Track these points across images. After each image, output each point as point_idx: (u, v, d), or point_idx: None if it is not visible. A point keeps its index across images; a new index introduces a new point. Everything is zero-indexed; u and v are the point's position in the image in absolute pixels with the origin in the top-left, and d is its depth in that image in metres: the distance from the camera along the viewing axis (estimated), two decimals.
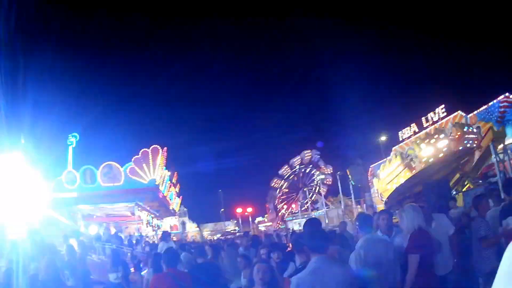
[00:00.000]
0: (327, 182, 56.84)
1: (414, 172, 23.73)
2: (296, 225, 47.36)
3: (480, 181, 21.56)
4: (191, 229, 50.30)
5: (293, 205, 59.93)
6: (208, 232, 60.76)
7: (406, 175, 24.53)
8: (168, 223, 41.11)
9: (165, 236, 13.92)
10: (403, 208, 5.84)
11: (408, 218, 5.41)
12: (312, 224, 5.45)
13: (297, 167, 63.16)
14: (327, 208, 45.20)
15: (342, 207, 41.02)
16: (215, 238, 47.05)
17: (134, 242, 26.06)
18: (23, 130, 25.72)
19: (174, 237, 35.60)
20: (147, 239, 28.52)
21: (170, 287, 5.45)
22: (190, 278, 5.76)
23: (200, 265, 6.64)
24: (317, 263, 3.89)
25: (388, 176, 27.11)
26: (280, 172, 64.64)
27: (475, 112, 26.87)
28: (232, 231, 58.09)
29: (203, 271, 5.83)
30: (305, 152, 61.79)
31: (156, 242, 27.46)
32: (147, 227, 32.84)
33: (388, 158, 31.82)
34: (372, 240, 5.48)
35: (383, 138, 46.73)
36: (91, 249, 22.93)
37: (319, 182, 52.43)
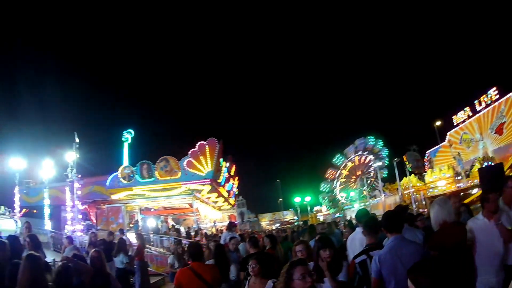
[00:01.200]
0: (383, 169, 55.75)
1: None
2: (353, 213, 46.67)
3: None
4: (250, 219, 50.46)
5: (351, 194, 59.09)
6: (267, 222, 60.80)
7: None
8: (226, 214, 41.28)
9: (230, 226, 13.63)
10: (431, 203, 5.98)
11: (433, 213, 5.52)
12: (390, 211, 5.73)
13: (353, 155, 62.11)
14: (384, 196, 44.22)
15: (400, 194, 40.22)
16: (274, 228, 47.09)
17: (192, 233, 26.43)
18: (76, 129, 26.35)
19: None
20: (204, 230, 28.83)
21: (190, 280, 5.88)
22: (216, 271, 6.23)
23: (251, 255, 6.63)
24: (394, 241, 4.60)
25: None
26: (334, 161, 63.75)
27: None
28: (290, 221, 57.84)
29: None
30: (360, 139, 60.67)
31: (214, 233, 27.82)
32: (205, 218, 33.07)
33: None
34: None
35: (437, 123, 45.89)
36: (150, 242, 23.59)
37: (376, 169, 51.34)
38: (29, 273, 4.78)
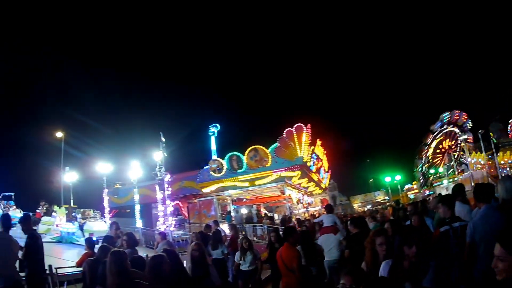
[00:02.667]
0: (469, 141, 52.84)
1: None
2: (444, 189, 44.40)
3: None
4: (342, 202, 49.31)
5: (440, 169, 56.54)
6: (358, 203, 59.56)
7: None
8: (318, 198, 40.46)
9: (330, 208, 13.11)
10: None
11: (500, 189, 5.59)
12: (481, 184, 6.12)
13: (439, 130, 59.30)
14: (472, 170, 41.74)
15: (486, 167, 37.78)
16: (366, 209, 45.59)
17: (286, 220, 25.70)
18: (163, 129, 26.60)
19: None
20: (298, 216, 27.92)
21: (278, 260, 7.13)
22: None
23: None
24: (484, 210, 5.10)
25: None
26: (423, 138, 61.23)
27: None
28: (382, 201, 56.32)
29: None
30: (445, 114, 57.72)
31: (307, 218, 26.95)
32: (297, 204, 32.32)
33: None
34: None
35: None
36: (243, 232, 23.28)
37: (462, 142, 48.64)
38: (114, 268, 4.91)
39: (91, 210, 27.98)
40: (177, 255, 6.53)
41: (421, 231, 6.69)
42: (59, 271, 9.29)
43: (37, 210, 24.31)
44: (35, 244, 7.88)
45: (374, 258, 5.03)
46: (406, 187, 64.54)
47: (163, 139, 24.60)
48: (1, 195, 24.90)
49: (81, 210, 27.49)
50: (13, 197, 27.13)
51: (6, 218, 7.88)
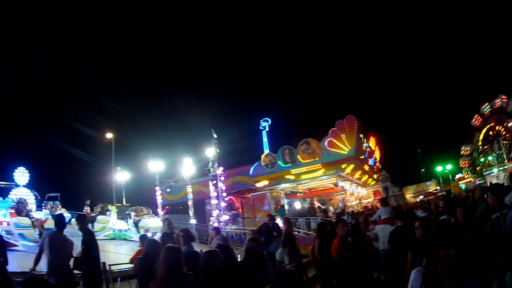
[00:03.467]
0: None
1: None
2: (494, 178, 43.02)
3: None
4: (394, 193, 48.49)
5: (489, 158, 54.75)
6: (411, 194, 58.49)
7: None
8: (371, 190, 39.97)
9: (385, 201, 13.46)
10: None
11: None
12: None
13: (489, 114, 57.28)
14: None
15: None
16: (418, 200, 44.59)
17: (338, 212, 25.54)
18: (214, 125, 26.71)
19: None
20: (351, 209, 27.68)
21: None
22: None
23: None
24: None
25: None
26: (472, 122, 59.32)
27: None
28: (433, 191, 55.14)
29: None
30: (496, 99, 55.70)
31: (360, 211, 26.71)
32: (350, 196, 32.05)
33: None
34: None
35: None
36: (296, 225, 23.22)
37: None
38: (166, 263, 4.90)
39: (144, 207, 28.34)
40: (231, 250, 6.65)
41: (464, 227, 6.60)
42: (113, 268, 9.51)
43: (84, 210, 24.73)
44: (91, 241, 8.25)
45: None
46: (457, 176, 63.09)
47: (215, 135, 24.56)
48: (47, 195, 25.53)
49: (134, 207, 27.66)
50: (59, 197, 27.93)
51: (61, 218, 8.20)
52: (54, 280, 7.01)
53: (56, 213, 29.76)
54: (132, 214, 24.59)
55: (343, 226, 8.18)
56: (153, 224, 23.65)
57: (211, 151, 24.66)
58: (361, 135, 30.00)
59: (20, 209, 18.64)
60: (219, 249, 5.87)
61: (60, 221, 8.03)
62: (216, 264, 5.35)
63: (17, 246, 15.62)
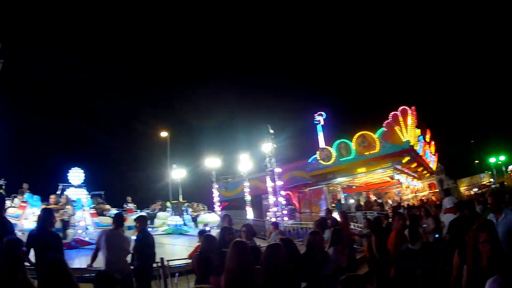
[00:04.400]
0: None
1: None
2: None
3: None
4: (449, 185, 47.73)
5: None
6: (465, 187, 57.30)
7: None
8: (426, 183, 39.46)
9: (447, 192, 13.97)
10: None
11: None
12: None
13: None
14: None
15: None
16: (472, 192, 43.82)
17: (395, 206, 25.41)
18: (270, 120, 26.88)
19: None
20: (406, 202, 27.52)
21: None
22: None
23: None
24: None
25: None
26: None
27: None
28: (487, 184, 53.91)
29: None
30: None
31: (416, 204, 26.47)
32: (406, 189, 31.84)
33: None
34: None
35: None
36: (353, 219, 23.26)
37: None
38: (236, 258, 4.95)
39: (200, 204, 28.92)
40: (293, 243, 6.70)
41: None
42: (171, 263, 9.63)
43: (124, 206, 25.36)
44: (145, 239, 8.60)
45: (476, 260, 4.35)
46: (510, 167, 61.46)
47: (271, 131, 24.75)
48: (91, 193, 26.41)
49: (190, 204, 28.32)
50: (103, 195, 28.66)
51: (120, 216, 8.68)
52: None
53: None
54: (189, 210, 25.23)
55: (399, 219, 8.46)
56: (211, 219, 24.80)
57: (267, 147, 24.86)
58: (416, 126, 29.68)
59: (101, 209, 19.56)
60: (282, 242, 5.89)
61: (118, 219, 8.50)
62: (279, 258, 5.35)
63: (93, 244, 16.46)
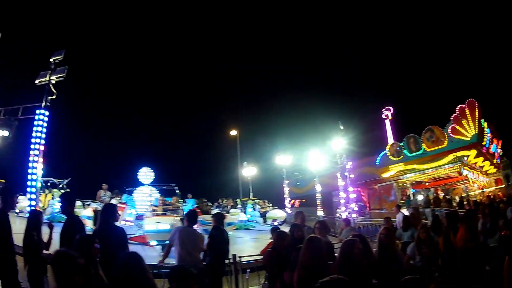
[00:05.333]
0: None
1: None
2: None
3: None
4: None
5: None
6: None
7: None
8: (492, 178, 38.93)
9: None
10: None
11: None
12: None
13: None
14: None
15: None
16: None
17: (465, 202, 25.31)
18: (339, 116, 27.28)
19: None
20: (473, 198, 27.44)
21: None
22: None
23: None
24: None
25: None
26: None
27: None
28: None
29: None
30: None
31: (483, 201, 26.29)
32: (473, 185, 31.69)
33: None
34: None
35: None
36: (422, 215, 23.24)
37: None
38: (309, 254, 5.24)
39: (266, 201, 29.66)
40: (367, 240, 6.74)
41: None
42: (243, 259, 9.76)
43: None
44: (218, 236, 8.80)
45: None
46: None
47: (342, 127, 25.06)
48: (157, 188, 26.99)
49: (258, 200, 29.20)
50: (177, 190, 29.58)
51: (192, 213, 8.74)
52: None
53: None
54: (257, 206, 26.00)
55: (470, 216, 8.75)
56: (280, 214, 25.64)
57: (338, 143, 25.21)
58: (482, 120, 29.56)
59: (203, 207, 20.65)
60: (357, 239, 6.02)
61: (191, 216, 8.54)
62: (355, 254, 5.46)
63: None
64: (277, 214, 25.63)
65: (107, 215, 7.00)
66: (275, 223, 23.71)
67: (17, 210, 16.84)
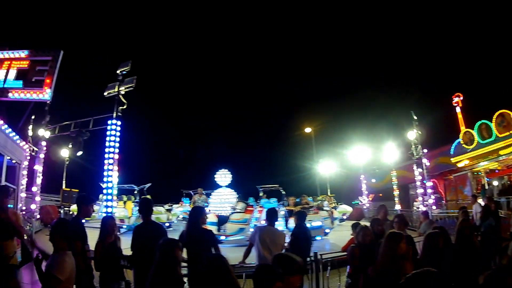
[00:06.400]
0: None
1: None
2: None
3: None
4: None
5: None
6: None
7: None
8: None
9: None
10: None
11: None
12: None
13: None
14: None
15: None
16: None
17: None
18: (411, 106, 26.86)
19: None
20: None
21: None
22: None
23: None
24: None
25: None
26: None
27: None
28: None
29: None
30: None
31: None
32: None
33: None
34: None
35: None
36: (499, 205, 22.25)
37: None
38: (387, 248, 5.43)
39: (331, 196, 29.28)
40: (447, 232, 6.91)
41: None
42: (324, 256, 9.53)
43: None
44: (299, 234, 8.78)
45: None
46: None
47: (415, 117, 24.66)
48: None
49: (325, 196, 28.63)
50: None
51: (273, 212, 8.71)
52: None
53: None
54: (325, 202, 25.06)
55: None
56: (349, 210, 25.61)
57: (412, 134, 24.82)
58: None
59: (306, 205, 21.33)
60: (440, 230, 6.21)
61: (270, 214, 8.53)
62: (439, 246, 5.72)
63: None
64: (347, 208, 25.51)
65: (196, 217, 7.24)
66: (344, 217, 24.35)
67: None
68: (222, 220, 19.49)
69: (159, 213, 21.83)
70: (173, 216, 23.58)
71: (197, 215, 7.25)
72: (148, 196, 21.19)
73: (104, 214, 14.89)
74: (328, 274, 9.30)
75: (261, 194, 23.97)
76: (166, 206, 24.37)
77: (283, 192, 23.74)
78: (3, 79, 16.01)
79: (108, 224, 7.18)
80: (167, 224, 21.70)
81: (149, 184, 24.65)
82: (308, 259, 8.92)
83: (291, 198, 22.45)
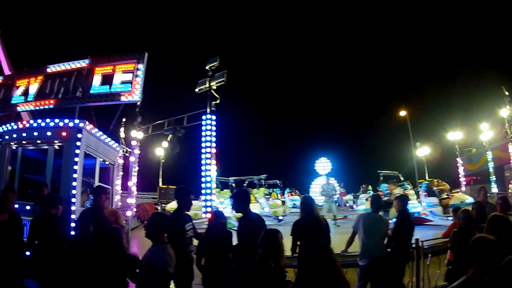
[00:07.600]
0: None
1: None
2: None
3: None
4: None
5: None
6: None
7: None
8: None
9: None
10: None
11: None
12: None
13: None
14: None
15: None
16: None
17: None
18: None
19: None
20: None
21: None
22: None
23: None
24: None
25: None
26: None
27: None
28: None
29: None
30: None
31: None
32: None
33: None
34: None
35: None
36: None
37: None
38: (489, 231, 5.16)
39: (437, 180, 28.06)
40: None
41: None
42: (425, 243, 9.08)
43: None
44: (404, 221, 8.39)
45: None
46: None
47: (507, 93, 23.49)
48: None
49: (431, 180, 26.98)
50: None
51: (377, 198, 8.58)
52: (366, 261, 7.51)
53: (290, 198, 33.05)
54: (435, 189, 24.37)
55: None
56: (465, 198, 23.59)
57: (505, 111, 23.62)
58: None
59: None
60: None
61: (375, 202, 8.39)
62: (503, 232, 5.26)
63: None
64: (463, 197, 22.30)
65: (312, 207, 7.24)
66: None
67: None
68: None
69: (277, 206, 22.17)
70: (287, 209, 23.55)
71: (312, 204, 7.27)
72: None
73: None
74: (428, 262, 8.96)
75: (381, 178, 24.05)
76: (282, 198, 24.59)
77: (402, 178, 23.49)
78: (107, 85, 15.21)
79: (219, 218, 7.05)
80: (280, 218, 21.98)
81: (265, 175, 24.97)
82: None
83: (391, 183, 21.04)
